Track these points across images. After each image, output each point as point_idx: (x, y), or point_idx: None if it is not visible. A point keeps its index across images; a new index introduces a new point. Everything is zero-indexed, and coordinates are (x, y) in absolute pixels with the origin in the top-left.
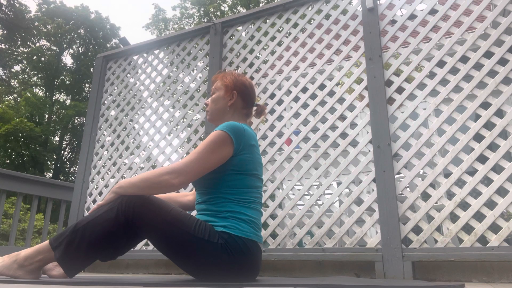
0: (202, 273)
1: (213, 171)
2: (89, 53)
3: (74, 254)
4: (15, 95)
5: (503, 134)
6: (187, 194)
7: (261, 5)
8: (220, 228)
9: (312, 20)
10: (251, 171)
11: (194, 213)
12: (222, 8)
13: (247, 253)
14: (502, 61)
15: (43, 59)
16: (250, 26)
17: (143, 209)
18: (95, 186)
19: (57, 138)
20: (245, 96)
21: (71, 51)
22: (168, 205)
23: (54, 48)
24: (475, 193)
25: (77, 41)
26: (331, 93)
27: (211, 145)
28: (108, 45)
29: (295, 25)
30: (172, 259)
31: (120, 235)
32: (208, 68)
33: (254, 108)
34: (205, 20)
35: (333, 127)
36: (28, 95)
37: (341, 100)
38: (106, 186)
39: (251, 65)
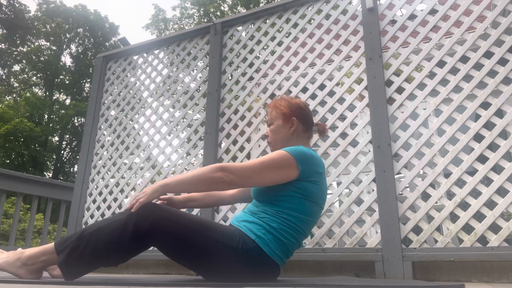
0: (215, 275)
1: (277, 189)
2: (89, 53)
3: (76, 261)
4: (14, 95)
5: (503, 134)
6: None
7: (261, 5)
8: (252, 236)
9: (312, 20)
10: (316, 199)
11: (224, 209)
12: (222, 8)
13: (264, 269)
14: (502, 61)
15: (42, 58)
16: (250, 26)
17: (157, 217)
18: (95, 186)
19: (56, 138)
20: (304, 119)
21: (70, 50)
22: (178, 210)
23: (54, 47)
24: (475, 193)
25: (77, 41)
26: (331, 93)
27: (272, 162)
28: (107, 44)
29: (295, 25)
30: (185, 263)
31: (125, 245)
32: (208, 68)
33: (315, 128)
34: (205, 20)
35: (333, 127)
36: (28, 95)
37: (341, 100)
38: (106, 186)
39: (251, 65)
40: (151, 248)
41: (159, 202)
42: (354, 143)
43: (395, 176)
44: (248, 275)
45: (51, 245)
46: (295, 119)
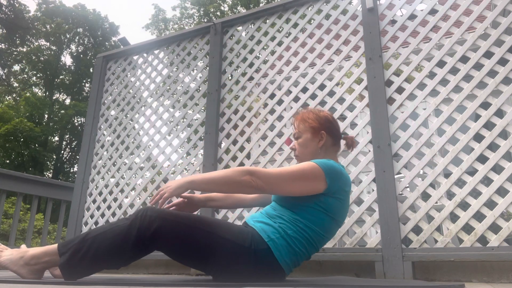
0: (222, 273)
1: (301, 199)
2: (89, 53)
3: (77, 263)
4: (14, 95)
5: (503, 134)
6: None
7: (261, 5)
8: (266, 238)
9: (312, 20)
10: (336, 216)
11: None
12: (222, 8)
13: (270, 273)
14: (502, 61)
15: (42, 58)
16: (250, 26)
17: (160, 221)
18: (95, 186)
19: (56, 138)
20: (333, 132)
21: (70, 50)
22: (182, 212)
23: (54, 47)
24: (475, 193)
25: (76, 41)
26: (331, 93)
27: (301, 173)
28: (107, 44)
29: (295, 25)
30: (191, 264)
31: (128, 251)
32: (208, 68)
33: (343, 141)
34: (205, 20)
35: None
36: (28, 95)
37: (341, 100)
38: (106, 186)
39: (251, 65)
40: None
41: (179, 199)
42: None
43: (395, 176)
44: (253, 275)
45: (54, 246)
46: (324, 132)
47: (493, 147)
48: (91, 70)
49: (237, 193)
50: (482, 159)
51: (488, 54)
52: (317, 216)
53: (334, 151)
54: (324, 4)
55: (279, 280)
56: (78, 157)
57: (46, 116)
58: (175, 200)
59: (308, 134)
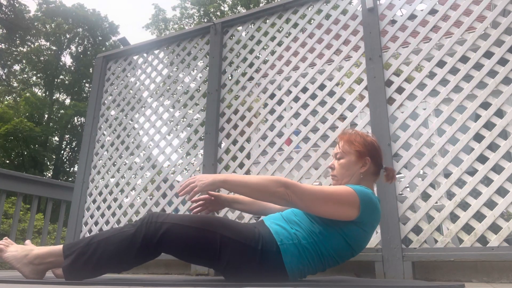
0: (230, 273)
1: (328, 221)
2: (88, 52)
3: (81, 266)
4: (14, 95)
5: (503, 134)
6: None
7: (261, 5)
8: (279, 241)
9: (312, 20)
10: (354, 246)
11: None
12: (222, 8)
13: (275, 273)
14: (502, 61)
15: (42, 58)
16: (250, 26)
17: (166, 227)
18: (95, 186)
19: (56, 138)
20: (378, 160)
21: (70, 50)
22: (188, 215)
23: (54, 47)
24: (475, 193)
25: (76, 41)
26: (331, 93)
27: (337, 197)
28: (107, 44)
29: (295, 25)
30: (200, 263)
31: (132, 257)
32: (208, 68)
33: (383, 171)
34: (205, 20)
35: (333, 127)
36: (28, 95)
37: (341, 100)
38: (106, 186)
39: (251, 65)
40: None
41: (206, 195)
42: None
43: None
44: (258, 275)
45: (59, 247)
46: (369, 159)
47: (493, 147)
48: (91, 70)
49: (267, 201)
50: (482, 159)
51: (488, 54)
52: (336, 239)
53: (373, 180)
54: (324, 4)
55: (281, 280)
56: (78, 157)
57: (46, 116)
58: (203, 195)
59: (352, 157)
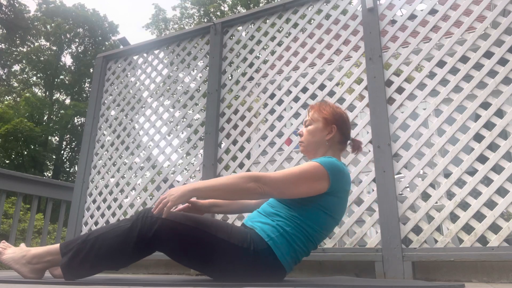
0: (221, 275)
1: (303, 199)
2: (89, 52)
3: (79, 263)
4: (14, 95)
5: (503, 134)
6: None
7: (261, 5)
8: (265, 238)
9: (312, 20)
10: (335, 214)
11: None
12: (222, 8)
13: (271, 271)
14: (502, 61)
15: (42, 58)
16: (250, 26)
17: (161, 222)
18: (95, 186)
19: (56, 138)
20: (344, 130)
21: (70, 50)
22: (183, 213)
23: (54, 47)
24: (475, 193)
25: (77, 41)
26: (331, 93)
27: (307, 175)
28: (106, 43)
29: (295, 25)
30: (191, 265)
31: (129, 252)
32: (208, 68)
33: (349, 142)
34: (205, 20)
35: None
36: (28, 95)
37: (341, 100)
38: (106, 186)
39: (251, 65)
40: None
41: (184, 205)
42: None
43: (395, 176)
44: (255, 275)
45: (56, 246)
46: (335, 127)
47: (493, 147)
48: (91, 70)
49: (242, 199)
50: (482, 159)
51: (488, 54)
52: (316, 214)
53: (339, 150)
54: (324, 4)
55: (280, 279)
56: (78, 157)
57: (46, 116)
58: (181, 206)
59: (319, 124)
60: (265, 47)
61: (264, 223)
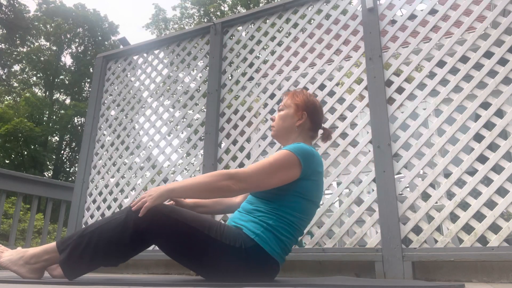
0: (215, 275)
1: (278, 188)
2: (89, 52)
3: (78, 259)
4: (14, 95)
5: (503, 134)
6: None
7: (261, 5)
8: (251, 235)
9: (312, 20)
10: (312, 198)
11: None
12: (222, 8)
13: (265, 267)
14: (502, 61)
15: (42, 58)
16: (250, 26)
17: (156, 214)
18: (95, 186)
19: (56, 138)
20: (314, 118)
21: (70, 50)
22: (179, 208)
23: (54, 47)
24: (475, 193)
25: (77, 41)
26: (331, 93)
27: (278, 164)
28: (106, 43)
29: (295, 25)
30: (184, 262)
31: (127, 244)
32: (208, 68)
33: (320, 131)
34: (205, 20)
35: (333, 127)
36: (28, 95)
37: (341, 100)
38: (106, 186)
39: (251, 65)
40: (152, 248)
41: (169, 203)
42: (354, 143)
43: (395, 176)
44: (249, 274)
45: (53, 244)
46: (306, 114)
47: (493, 147)
48: (91, 70)
49: (218, 197)
50: (482, 159)
51: (488, 54)
52: (294, 201)
53: (309, 137)
54: (324, 4)
55: (275, 271)
56: (78, 157)
57: (46, 116)
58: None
59: (291, 109)
60: (265, 47)
61: (247, 221)
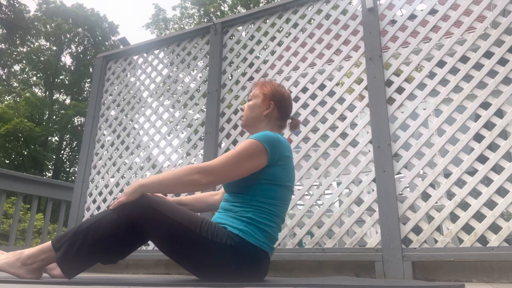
0: (206, 273)
1: (248, 178)
2: (88, 52)
3: (74, 256)
4: (14, 95)
5: (503, 134)
6: (215, 194)
7: (261, 5)
8: (235, 231)
9: (312, 20)
10: (284, 182)
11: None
12: (222, 8)
13: (255, 260)
14: (502, 61)
15: (42, 58)
16: (250, 26)
17: (147, 209)
18: (95, 186)
19: (56, 138)
20: (282, 107)
21: (70, 50)
22: (172, 205)
23: (54, 47)
24: (475, 193)
25: (77, 41)
26: (331, 93)
27: (244, 153)
28: (106, 43)
29: (295, 25)
30: (176, 259)
31: (122, 238)
32: (208, 68)
33: (289, 121)
34: (205, 20)
35: (333, 127)
36: (28, 95)
37: (341, 100)
38: (106, 186)
39: (251, 65)
40: (151, 248)
41: None
42: (354, 143)
43: (395, 176)
44: (242, 268)
45: (48, 243)
46: (273, 103)
47: (493, 147)
48: (91, 70)
49: (189, 192)
50: (482, 159)
51: (488, 54)
52: (267, 189)
53: (278, 126)
54: (324, 4)
55: (266, 261)
56: (78, 157)
57: (46, 116)
58: None
59: (259, 99)
60: (265, 47)
61: (229, 219)
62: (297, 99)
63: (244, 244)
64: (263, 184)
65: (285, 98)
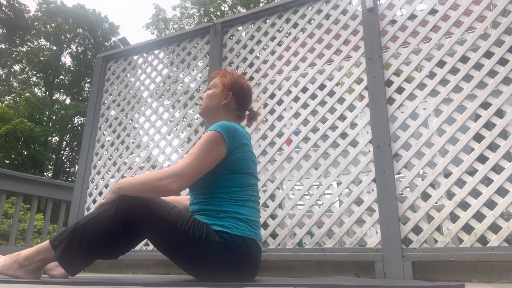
0: (202, 272)
1: (210, 172)
2: (88, 52)
3: (74, 253)
4: (14, 95)
5: (503, 134)
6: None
7: (261, 5)
8: (219, 228)
9: (312, 20)
10: (245, 170)
11: None
12: (222, 8)
13: (247, 251)
14: (502, 61)
15: (42, 58)
16: (250, 26)
17: (143, 208)
18: (95, 186)
19: (56, 138)
20: (240, 98)
21: (70, 50)
22: (168, 205)
23: (54, 47)
24: (475, 193)
25: (77, 41)
26: (331, 93)
27: (206, 146)
28: (107, 44)
29: (295, 25)
30: (172, 259)
31: (121, 234)
32: (208, 68)
33: (247, 112)
34: (205, 20)
35: (333, 127)
36: (28, 95)
37: (341, 100)
38: (106, 186)
39: (251, 65)
40: (151, 247)
41: None
42: (354, 143)
43: (395, 176)
44: (237, 263)
45: (46, 242)
46: (231, 94)
47: (493, 147)
48: (90, 70)
49: (161, 197)
50: (482, 159)
51: (488, 54)
52: (230, 178)
53: (236, 117)
54: (324, 4)
55: (258, 248)
56: (78, 157)
57: (46, 116)
58: None
59: (217, 89)
60: (265, 47)
61: (206, 218)
62: (297, 99)
63: (232, 238)
64: (227, 174)
65: (244, 90)
